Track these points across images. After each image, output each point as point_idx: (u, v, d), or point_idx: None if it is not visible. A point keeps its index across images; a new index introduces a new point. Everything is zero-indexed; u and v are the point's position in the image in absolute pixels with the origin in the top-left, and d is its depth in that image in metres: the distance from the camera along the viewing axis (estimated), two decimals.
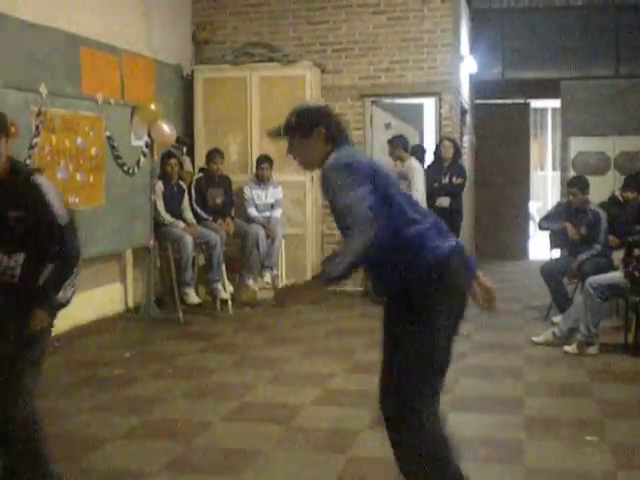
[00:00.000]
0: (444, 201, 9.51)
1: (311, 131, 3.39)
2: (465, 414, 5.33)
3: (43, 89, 6.64)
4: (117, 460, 4.52)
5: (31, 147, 6.49)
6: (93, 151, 7.41)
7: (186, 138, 9.72)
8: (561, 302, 8.05)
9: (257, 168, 9.50)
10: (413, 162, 9.20)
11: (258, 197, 9.48)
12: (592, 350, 6.91)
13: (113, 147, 7.71)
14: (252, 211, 9.42)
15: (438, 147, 9.78)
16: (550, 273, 8.26)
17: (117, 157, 7.79)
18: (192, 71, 10.11)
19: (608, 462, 4.44)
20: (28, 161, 6.40)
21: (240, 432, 5.00)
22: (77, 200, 7.17)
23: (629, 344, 7.08)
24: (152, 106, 8.09)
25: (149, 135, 8.27)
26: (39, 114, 6.59)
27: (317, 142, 3.39)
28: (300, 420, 5.18)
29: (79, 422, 5.14)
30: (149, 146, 8.36)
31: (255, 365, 6.71)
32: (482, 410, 5.46)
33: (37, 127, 6.57)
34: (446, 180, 9.57)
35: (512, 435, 4.89)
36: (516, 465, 4.41)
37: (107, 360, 6.82)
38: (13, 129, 5.97)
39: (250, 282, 9.29)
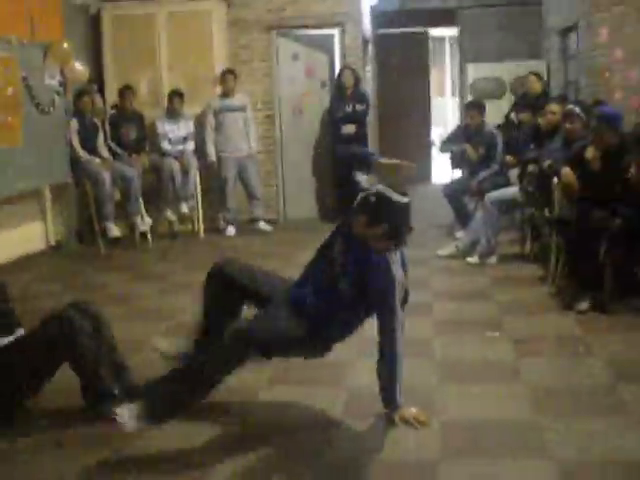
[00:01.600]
0: (350, 128, 9.93)
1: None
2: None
3: None
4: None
5: None
6: (9, 91, 7.55)
7: (95, 76, 9.87)
8: (463, 219, 8.60)
9: (168, 102, 9.73)
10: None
11: (171, 131, 9.72)
12: (492, 260, 7.51)
13: (28, 87, 7.86)
14: (165, 145, 9.66)
15: (339, 76, 10.16)
16: (452, 192, 8.80)
17: (32, 97, 7.94)
18: (99, 9, 10.20)
19: (509, 352, 5.01)
20: None
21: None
22: None
23: (525, 253, 7.72)
24: (65, 45, 8.23)
25: (62, 74, 8.41)
26: None
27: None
28: None
29: None
30: (62, 85, 8.51)
31: (179, 291, 7.07)
32: None
33: None
34: (349, 108, 9.98)
35: (423, 335, 5.41)
36: (427, 359, 4.93)
37: (36, 294, 7.02)
38: None
39: (168, 214, 9.60)
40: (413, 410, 3.92)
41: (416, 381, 4.43)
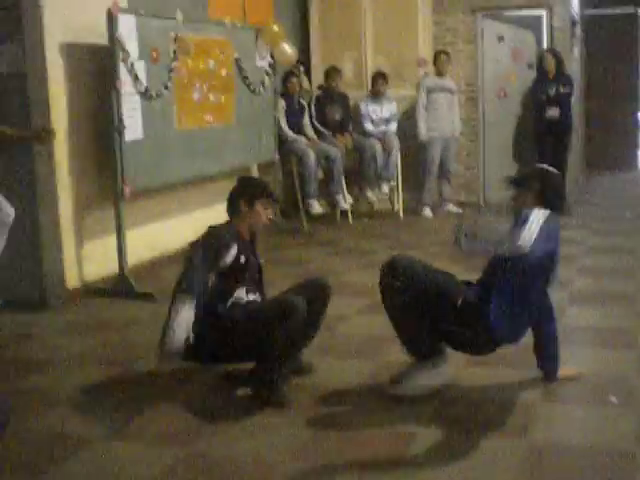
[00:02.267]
0: (554, 111, 9.77)
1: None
2: (581, 307, 5.77)
3: (179, 15, 7.14)
4: None
5: (170, 70, 7.02)
6: (223, 72, 7.91)
7: (302, 57, 10.16)
8: None
9: (372, 84, 9.90)
10: None
11: (374, 112, 9.88)
12: None
13: (241, 68, 8.20)
14: (368, 126, 9.83)
15: (540, 60, 10.00)
16: None
17: (244, 78, 8.28)
18: None
19: None
20: (169, 84, 6.97)
21: (374, 323, 5.55)
22: (211, 118, 7.73)
23: None
24: (275, 27, 8.52)
25: (272, 56, 8.73)
26: (176, 39, 7.10)
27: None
28: None
29: None
30: (272, 66, 8.82)
31: (378, 268, 7.20)
32: (597, 304, 5.86)
33: (175, 52, 7.08)
34: (553, 91, 9.80)
35: (625, 325, 5.30)
36: (629, 350, 4.83)
37: None
38: (154, 54, 6.60)
39: (368, 194, 9.79)
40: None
41: (619, 374, 4.38)
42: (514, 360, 4.46)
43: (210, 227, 4.39)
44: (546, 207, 3.92)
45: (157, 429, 3.91)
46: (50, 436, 3.85)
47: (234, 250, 4.29)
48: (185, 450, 3.67)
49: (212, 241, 4.26)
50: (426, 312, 4.10)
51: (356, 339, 5.24)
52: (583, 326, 5.37)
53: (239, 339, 4.22)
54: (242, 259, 4.34)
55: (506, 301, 3.93)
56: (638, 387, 4.21)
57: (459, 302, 4.01)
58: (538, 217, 3.75)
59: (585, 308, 5.80)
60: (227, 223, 4.46)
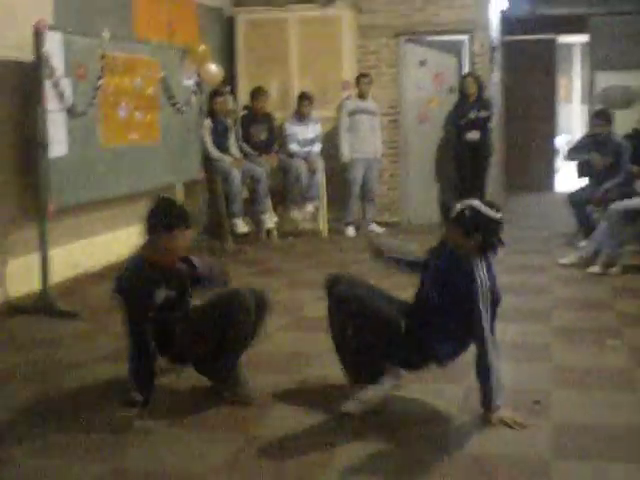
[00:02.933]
0: (474, 135, 10.03)
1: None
2: (500, 324, 5.92)
3: (106, 34, 7.16)
4: None
5: (97, 88, 7.03)
6: (149, 91, 7.95)
7: (227, 77, 10.23)
8: (586, 228, 8.57)
9: (298, 105, 10.03)
10: None
11: (299, 133, 10.00)
12: (614, 270, 7.48)
13: (167, 87, 8.24)
14: (293, 146, 9.95)
15: (462, 84, 10.26)
16: (577, 201, 8.78)
17: (170, 97, 8.32)
18: (232, 13, 10.58)
19: (627, 361, 5.04)
20: (94, 101, 6.98)
21: (296, 340, 5.64)
22: (137, 136, 7.75)
23: None
24: (202, 47, 8.59)
25: (198, 75, 8.78)
26: (103, 57, 7.12)
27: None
28: None
29: None
30: (198, 85, 8.88)
31: (303, 286, 7.33)
32: (514, 320, 6.04)
33: (101, 69, 7.09)
34: (473, 115, 10.06)
35: (541, 340, 5.50)
36: (545, 363, 5.01)
37: None
38: (81, 71, 6.61)
39: (293, 213, 9.90)
40: (509, 413, 4.04)
41: (532, 385, 4.54)
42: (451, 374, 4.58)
43: (122, 281, 4.28)
44: (486, 251, 4.12)
45: (83, 445, 3.92)
46: None
47: (160, 294, 4.27)
48: (110, 465, 3.69)
49: (134, 302, 4.20)
50: (367, 336, 4.21)
51: (278, 356, 5.31)
52: (501, 342, 5.52)
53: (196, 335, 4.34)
54: (171, 294, 4.34)
55: (449, 333, 4.14)
56: (554, 400, 4.37)
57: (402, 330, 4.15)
58: (482, 273, 4.01)
59: (502, 324, 5.96)
60: (138, 262, 4.29)
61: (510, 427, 3.96)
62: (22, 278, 6.69)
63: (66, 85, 6.59)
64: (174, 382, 4.68)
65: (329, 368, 4.64)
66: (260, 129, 9.80)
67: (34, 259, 6.57)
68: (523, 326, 5.88)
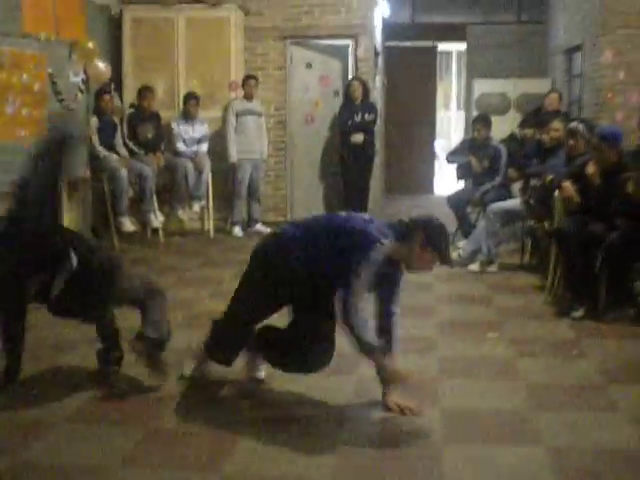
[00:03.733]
0: (358, 137, 10.27)
1: None
2: None
3: None
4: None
5: None
6: (36, 87, 7.88)
7: (114, 75, 10.18)
8: (465, 228, 8.93)
9: (184, 105, 10.06)
10: None
11: (185, 132, 10.04)
12: (492, 268, 7.84)
13: (54, 83, 8.18)
14: (180, 146, 9.98)
15: (348, 88, 10.50)
16: (456, 202, 9.13)
17: (57, 93, 8.26)
18: (120, 10, 10.52)
19: (508, 351, 5.33)
20: None
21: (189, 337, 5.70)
22: (24, 133, 7.66)
23: (524, 263, 8.06)
24: (90, 44, 8.56)
25: (85, 72, 8.73)
26: None
27: None
28: None
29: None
30: (85, 83, 8.82)
31: (192, 284, 7.40)
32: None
33: None
34: (358, 118, 10.31)
35: (426, 334, 5.74)
36: (430, 355, 5.25)
37: None
38: None
39: (179, 212, 9.93)
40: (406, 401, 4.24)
41: (422, 375, 4.76)
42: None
43: None
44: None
45: None
46: None
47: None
48: (11, 459, 3.71)
49: None
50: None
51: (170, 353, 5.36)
52: None
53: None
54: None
55: None
56: (441, 388, 4.60)
57: None
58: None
59: None
60: None
61: (403, 413, 4.16)
62: None
63: None
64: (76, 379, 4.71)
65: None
66: (147, 128, 9.78)
67: None
68: (409, 321, 6.09)
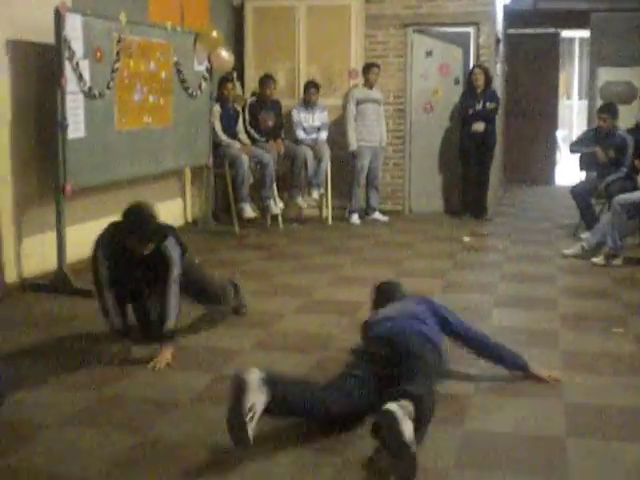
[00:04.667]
0: (479, 126, 10.17)
1: None
2: (507, 309, 6.12)
3: (123, 17, 7.25)
4: (217, 342, 5.31)
5: (113, 71, 7.14)
6: (163, 75, 8.06)
7: (236, 64, 10.34)
8: (589, 220, 8.73)
9: (305, 93, 10.14)
10: None
11: (305, 120, 10.12)
12: (617, 262, 7.62)
13: (179, 72, 8.35)
14: (300, 133, 10.07)
15: (470, 75, 10.39)
16: (579, 193, 8.93)
17: (182, 81, 8.43)
18: (242, 1, 10.67)
19: (633, 347, 5.19)
20: (111, 84, 7.09)
21: (311, 321, 5.77)
22: (150, 120, 7.86)
23: None
24: (214, 33, 8.69)
25: (209, 61, 8.88)
26: (119, 41, 7.22)
27: None
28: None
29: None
30: (208, 71, 8.99)
31: (311, 270, 7.48)
32: (520, 307, 6.20)
33: (118, 53, 7.20)
34: (480, 106, 10.20)
35: (549, 326, 5.64)
36: (553, 349, 5.15)
37: None
38: (98, 54, 6.70)
39: (299, 199, 10.02)
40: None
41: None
42: None
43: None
44: None
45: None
46: (5, 424, 3.97)
47: None
48: None
49: None
50: None
51: (294, 336, 5.45)
52: (507, 327, 5.69)
53: None
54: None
55: None
56: (565, 382, 4.52)
57: None
58: None
59: (509, 311, 6.14)
60: None
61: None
62: (39, 257, 6.82)
63: (85, 67, 6.70)
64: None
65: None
66: (268, 116, 9.91)
67: (51, 238, 6.68)
68: (530, 313, 6.03)
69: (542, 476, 3.47)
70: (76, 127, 6.65)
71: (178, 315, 4.91)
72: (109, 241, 4.89)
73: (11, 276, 6.60)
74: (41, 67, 6.69)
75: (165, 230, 4.97)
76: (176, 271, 4.88)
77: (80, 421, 4.02)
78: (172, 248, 4.91)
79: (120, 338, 5.01)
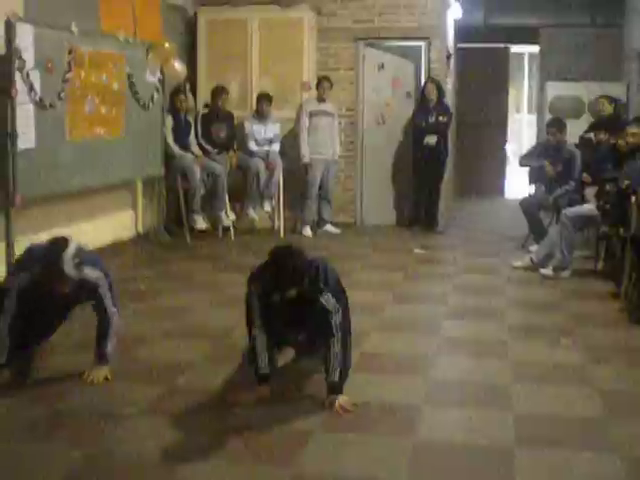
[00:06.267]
0: (432, 139, 10.26)
1: None
2: (456, 321, 6.18)
3: (74, 28, 7.22)
4: (160, 354, 5.30)
5: (64, 81, 7.10)
6: (115, 86, 8.03)
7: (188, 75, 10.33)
8: (538, 232, 8.85)
9: (257, 104, 10.15)
10: None
11: (258, 132, 10.12)
12: (565, 274, 7.73)
13: (132, 83, 8.33)
14: (252, 145, 10.06)
15: (423, 89, 10.49)
16: (528, 206, 9.05)
17: (135, 92, 8.40)
18: (195, 12, 10.68)
19: (581, 358, 5.27)
20: (62, 94, 7.04)
21: None
22: (101, 131, 7.82)
23: (598, 270, 7.94)
24: (167, 44, 8.68)
25: (162, 72, 8.87)
26: (71, 51, 7.18)
27: None
28: None
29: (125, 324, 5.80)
30: (161, 82, 8.97)
31: None
32: (470, 318, 6.26)
33: (69, 63, 7.16)
34: (432, 119, 10.30)
35: (498, 337, 5.72)
36: (503, 360, 5.21)
37: (130, 277, 7.47)
38: (49, 64, 6.65)
39: (250, 211, 10.02)
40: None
41: (492, 380, 4.75)
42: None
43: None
44: None
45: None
46: None
47: None
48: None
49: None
50: None
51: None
52: (457, 338, 5.76)
53: None
54: None
55: None
56: (514, 392, 4.58)
57: None
58: None
59: (459, 322, 6.21)
60: None
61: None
62: None
63: (36, 78, 6.66)
64: None
65: None
66: (220, 127, 9.90)
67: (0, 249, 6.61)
68: (480, 324, 6.10)
69: None
70: (27, 137, 6.60)
71: None
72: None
73: None
74: None
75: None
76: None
77: (30, 436, 3.98)
78: None
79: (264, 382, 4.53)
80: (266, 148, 10.11)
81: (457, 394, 4.60)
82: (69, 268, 4.33)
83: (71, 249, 4.39)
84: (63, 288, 4.47)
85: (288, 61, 10.54)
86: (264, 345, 4.44)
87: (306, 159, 10.05)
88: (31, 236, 7.14)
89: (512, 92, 18.25)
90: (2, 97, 6.39)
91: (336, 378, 4.32)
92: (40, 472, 3.57)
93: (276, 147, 10.19)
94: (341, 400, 4.27)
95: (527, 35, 14.83)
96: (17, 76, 6.41)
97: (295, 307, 4.36)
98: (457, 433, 4.05)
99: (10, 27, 6.29)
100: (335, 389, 4.33)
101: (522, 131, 20.45)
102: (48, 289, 4.48)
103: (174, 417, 4.19)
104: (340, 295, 4.49)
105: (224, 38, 10.58)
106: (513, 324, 6.11)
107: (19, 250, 6.58)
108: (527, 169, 9.73)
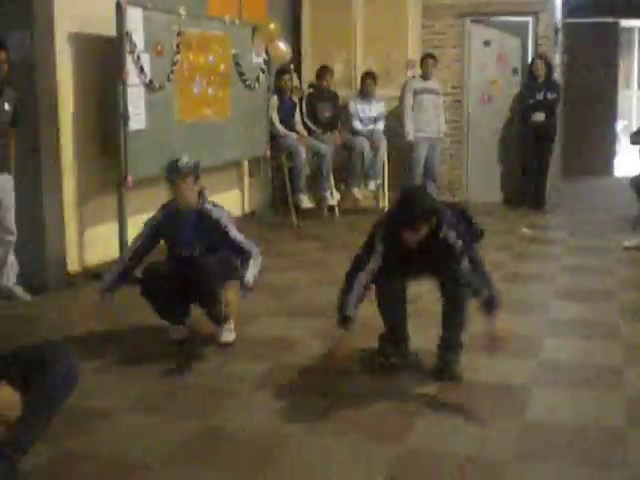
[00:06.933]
0: (539, 116, 10.07)
1: None
2: (566, 302, 6.07)
3: (182, 11, 7.34)
4: (269, 330, 5.37)
5: (173, 64, 7.23)
6: (222, 68, 8.13)
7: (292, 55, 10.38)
8: None
9: (362, 84, 10.13)
10: None
11: (362, 111, 10.11)
12: None
13: (238, 64, 8.42)
14: (357, 124, 10.06)
15: (531, 65, 10.30)
16: (639, 185, 8.79)
17: (241, 74, 8.50)
18: None
19: None
20: (171, 76, 7.17)
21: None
22: (209, 112, 7.94)
23: None
24: (271, 25, 8.74)
25: (267, 53, 8.94)
26: (179, 34, 7.30)
27: None
28: None
29: None
30: (267, 63, 9.05)
31: None
32: (581, 299, 6.14)
33: (177, 46, 7.28)
34: (541, 96, 10.10)
35: (609, 319, 5.59)
36: (614, 342, 5.09)
37: None
38: (159, 47, 6.78)
39: (355, 190, 10.02)
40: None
41: (603, 361, 4.66)
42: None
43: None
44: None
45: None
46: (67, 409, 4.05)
47: None
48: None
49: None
50: None
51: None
52: (567, 319, 5.66)
53: None
54: None
55: None
56: (625, 374, 4.48)
57: None
58: None
59: (569, 302, 6.09)
60: None
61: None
62: (100, 246, 6.93)
63: (145, 60, 6.79)
64: None
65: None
66: (325, 107, 9.94)
67: (112, 228, 6.79)
68: (591, 305, 5.98)
69: (601, 467, 3.45)
70: (138, 119, 6.75)
71: None
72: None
73: (74, 265, 6.73)
74: (103, 60, 6.79)
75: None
76: None
77: (143, 408, 4.10)
78: None
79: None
80: (370, 127, 10.10)
81: (567, 375, 4.53)
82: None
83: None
84: (185, 190, 5.12)
85: (393, 39, 10.49)
86: (361, 292, 4.39)
87: (410, 137, 9.97)
88: (141, 216, 7.36)
89: (622, 68, 17.75)
90: (114, 79, 6.54)
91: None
92: (153, 443, 3.68)
93: (380, 126, 10.16)
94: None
95: (637, 9, 14.36)
96: (128, 59, 6.55)
97: (419, 252, 4.28)
98: (567, 414, 3.99)
99: (120, 10, 6.43)
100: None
101: (632, 108, 19.84)
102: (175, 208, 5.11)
103: (282, 393, 4.26)
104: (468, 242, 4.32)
105: (328, 18, 10.59)
106: (625, 305, 5.95)
107: (131, 231, 6.81)
108: (638, 147, 9.44)
